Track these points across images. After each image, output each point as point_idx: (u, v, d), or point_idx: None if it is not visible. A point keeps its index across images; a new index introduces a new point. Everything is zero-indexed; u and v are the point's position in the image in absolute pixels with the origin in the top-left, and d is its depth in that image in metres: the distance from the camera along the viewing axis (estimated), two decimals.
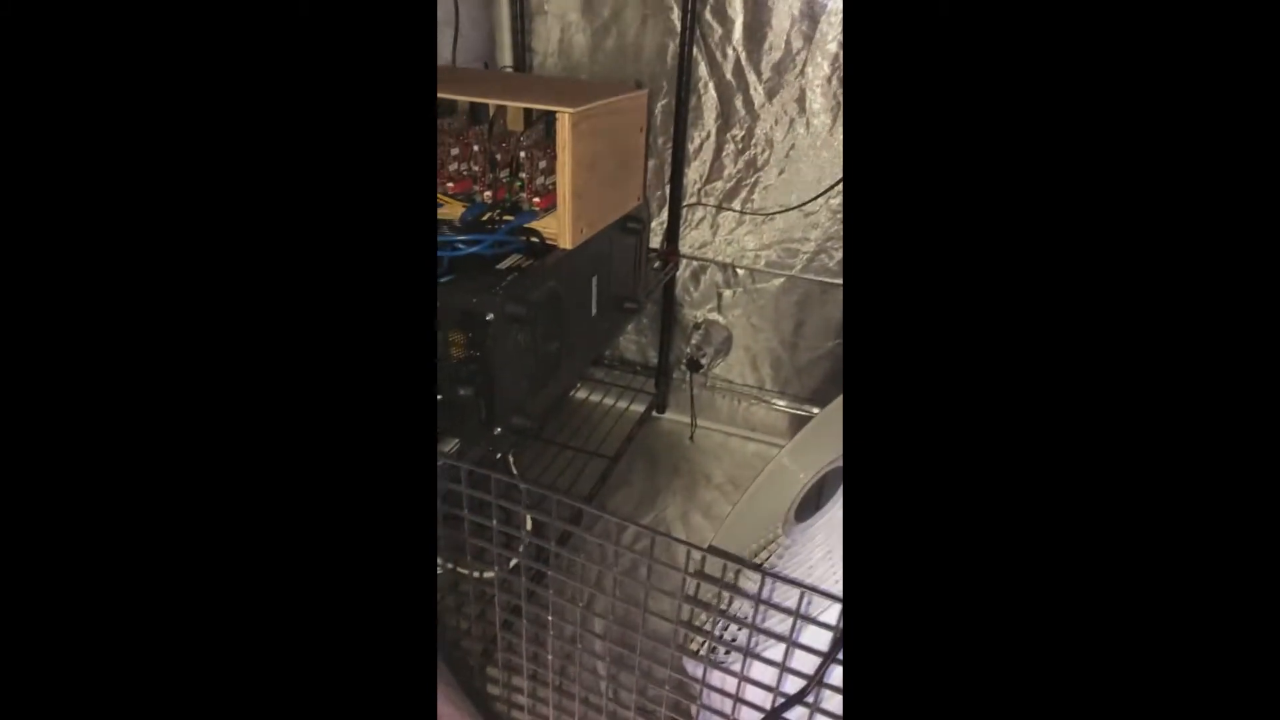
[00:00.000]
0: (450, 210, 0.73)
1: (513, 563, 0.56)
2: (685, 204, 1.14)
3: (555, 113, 0.68)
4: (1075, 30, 0.28)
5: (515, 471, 0.85)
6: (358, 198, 0.30)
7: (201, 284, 0.29)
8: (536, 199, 0.74)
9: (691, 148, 1.11)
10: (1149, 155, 0.28)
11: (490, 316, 0.63)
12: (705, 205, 1.15)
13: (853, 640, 0.30)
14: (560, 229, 0.73)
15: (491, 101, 0.79)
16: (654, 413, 1.28)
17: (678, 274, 1.19)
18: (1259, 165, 0.27)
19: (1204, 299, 0.27)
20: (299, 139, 0.30)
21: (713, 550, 0.61)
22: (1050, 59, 0.29)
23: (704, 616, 0.80)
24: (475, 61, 1.09)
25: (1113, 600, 0.28)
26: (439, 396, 0.70)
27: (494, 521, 0.52)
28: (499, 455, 0.72)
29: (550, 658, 0.58)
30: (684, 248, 1.17)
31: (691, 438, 1.24)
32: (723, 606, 0.55)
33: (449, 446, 0.82)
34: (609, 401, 1.23)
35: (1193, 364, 0.27)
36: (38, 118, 0.27)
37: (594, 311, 0.83)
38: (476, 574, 0.57)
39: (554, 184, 0.74)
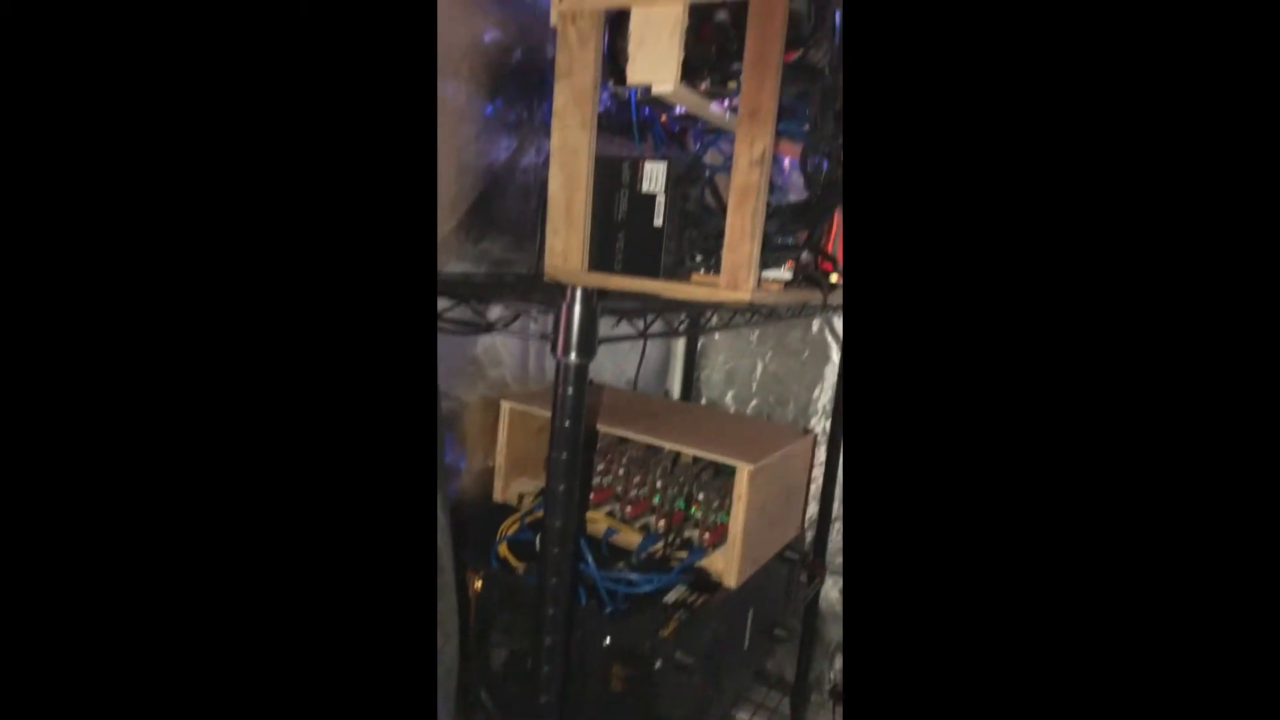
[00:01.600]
0: (626, 537, 0.79)
1: None
2: (834, 519, 1.16)
3: (735, 465, 0.75)
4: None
5: None
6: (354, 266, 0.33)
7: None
8: (706, 534, 0.79)
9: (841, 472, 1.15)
10: (1145, 157, 0.29)
11: (659, 665, 0.65)
12: None
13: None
14: (727, 568, 0.76)
15: (672, 446, 0.82)
16: None
17: (822, 588, 1.17)
18: (1256, 166, 0.27)
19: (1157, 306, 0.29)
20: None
21: None
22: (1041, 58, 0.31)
23: None
24: (655, 385, 1.23)
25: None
26: None
27: None
28: None
29: None
30: (831, 559, 1.16)
31: None
32: None
33: None
34: (743, 717, 1.15)
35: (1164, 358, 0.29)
36: (37, 118, 0.28)
37: (746, 645, 0.83)
38: None
39: (724, 519, 0.78)
